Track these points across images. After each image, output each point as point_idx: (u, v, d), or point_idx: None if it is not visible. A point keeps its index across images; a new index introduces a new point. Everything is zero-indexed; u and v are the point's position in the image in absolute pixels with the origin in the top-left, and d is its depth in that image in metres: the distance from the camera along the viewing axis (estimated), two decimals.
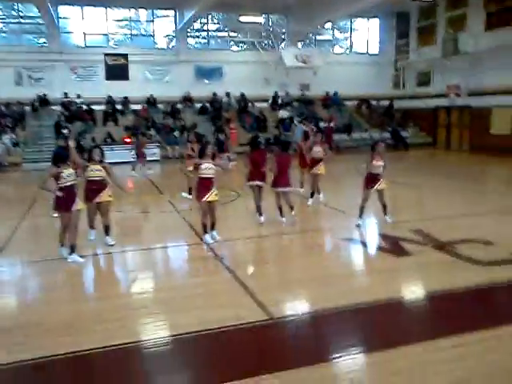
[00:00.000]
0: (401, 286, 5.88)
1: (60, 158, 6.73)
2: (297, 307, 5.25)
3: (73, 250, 6.75)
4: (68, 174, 6.65)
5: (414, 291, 5.74)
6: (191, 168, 8.89)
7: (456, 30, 22.18)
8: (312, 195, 10.45)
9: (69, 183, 6.64)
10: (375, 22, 27.14)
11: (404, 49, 26.09)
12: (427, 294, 5.52)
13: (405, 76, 26.07)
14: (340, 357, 4.08)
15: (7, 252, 7.38)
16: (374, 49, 27.43)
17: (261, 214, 8.64)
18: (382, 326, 4.72)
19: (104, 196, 7.43)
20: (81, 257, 6.80)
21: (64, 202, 6.61)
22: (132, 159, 16.16)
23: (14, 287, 6.19)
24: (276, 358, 4.16)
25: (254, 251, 7.57)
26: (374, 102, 26.26)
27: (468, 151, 21.84)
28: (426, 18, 24.48)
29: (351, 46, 27.50)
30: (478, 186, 13.28)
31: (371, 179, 8.22)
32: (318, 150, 10.35)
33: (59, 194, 6.54)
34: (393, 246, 7.25)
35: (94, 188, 7.39)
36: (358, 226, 8.28)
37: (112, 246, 7.49)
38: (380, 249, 7.29)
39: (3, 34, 22.59)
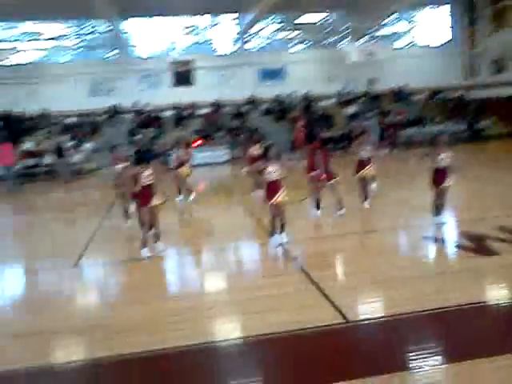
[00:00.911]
0: (485, 289, 5.47)
1: (141, 159, 7.35)
2: (373, 310, 5.04)
3: (158, 238, 7.34)
4: (148, 173, 7.16)
5: (500, 295, 5.29)
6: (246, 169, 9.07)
7: None
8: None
9: (148, 182, 7.15)
10: (444, 10, 25.88)
11: (476, 35, 24.70)
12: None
13: (479, 64, 24.63)
14: (416, 366, 3.85)
15: (87, 255, 7.71)
16: (443, 38, 26.18)
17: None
18: (462, 333, 4.37)
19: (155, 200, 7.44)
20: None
21: (144, 198, 7.15)
22: None
23: (93, 288, 6.48)
24: (350, 363, 4.01)
25: (328, 251, 7.38)
26: (445, 94, 25.04)
27: None
28: (497, 1, 22.93)
29: (418, 38, 26.44)
30: None
31: (439, 175, 7.78)
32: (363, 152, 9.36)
33: (137, 189, 7.14)
34: (477, 244, 6.77)
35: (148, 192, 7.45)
36: (438, 224, 7.85)
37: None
38: (462, 248, 6.78)
39: (78, 51, 23.91)
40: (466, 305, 4.84)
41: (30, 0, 19.01)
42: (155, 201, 7.28)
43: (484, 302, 5.09)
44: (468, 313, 4.76)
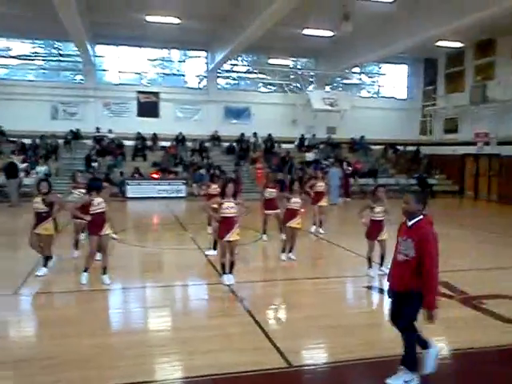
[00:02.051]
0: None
1: (92, 187, 7.34)
2: (317, 356, 5.10)
3: (104, 271, 7.30)
4: (98, 202, 7.20)
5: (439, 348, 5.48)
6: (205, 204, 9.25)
7: (484, 77, 22.27)
8: (283, 250, 9.18)
9: (98, 210, 7.18)
10: (403, 68, 27.42)
11: (432, 95, 26.19)
12: (453, 352, 5.27)
13: (432, 122, 26.03)
14: None
15: (28, 283, 7.44)
16: (402, 94, 27.61)
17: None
18: None
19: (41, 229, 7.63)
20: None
21: (94, 227, 7.16)
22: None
23: (33, 319, 6.27)
24: None
25: (275, 295, 7.45)
26: (400, 148, 26.23)
27: (497, 201, 21.43)
28: (454, 65, 24.60)
29: (378, 91, 27.77)
30: (508, 239, 12.91)
31: (374, 227, 7.94)
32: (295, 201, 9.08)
33: (88, 218, 7.18)
34: None
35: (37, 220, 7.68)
36: (373, 276, 8.03)
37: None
38: None
39: (43, 71, 23.64)
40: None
41: (1, 16, 18.81)
42: (106, 230, 7.25)
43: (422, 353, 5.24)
44: None
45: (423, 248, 4.08)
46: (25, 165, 19.68)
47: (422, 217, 4.24)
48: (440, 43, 20.77)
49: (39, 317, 6.32)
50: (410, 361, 4.31)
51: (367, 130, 25.25)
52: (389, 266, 4.55)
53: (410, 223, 4.26)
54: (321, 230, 12.16)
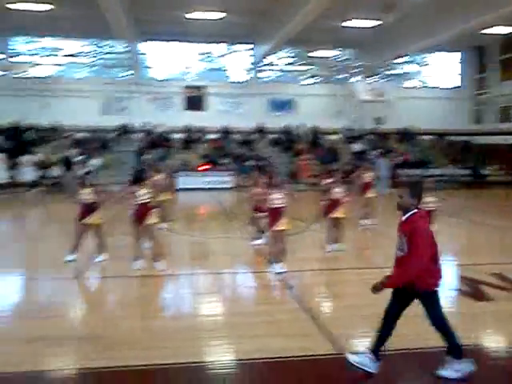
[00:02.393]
0: (479, 332, 5.48)
1: (137, 178, 7.64)
2: (363, 344, 5.07)
3: (155, 259, 7.51)
4: (142, 193, 7.39)
5: (494, 340, 5.36)
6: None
7: None
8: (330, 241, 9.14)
9: (142, 201, 7.40)
10: (454, 56, 26.49)
11: (484, 83, 25.20)
12: (508, 346, 5.13)
13: (485, 111, 25.02)
14: None
15: (87, 268, 7.82)
16: (452, 83, 26.72)
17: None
18: None
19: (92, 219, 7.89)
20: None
21: (137, 217, 7.35)
22: None
23: (90, 301, 6.60)
24: None
25: (323, 284, 7.48)
26: (451, 138, 25.41)
27: None
28: (508, 51, 23.54)
29: (427, 80, 26.96)
30: None
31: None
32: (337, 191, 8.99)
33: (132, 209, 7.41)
34: (472, 289, 6.84)
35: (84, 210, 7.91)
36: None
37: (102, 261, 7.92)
38: (458, 291, 6.85)
39: (93, 68, 24.46)
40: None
41: (51, 17, 19.62)
42: (151, 219, 7.46)
43: (479, 346, 5.11)
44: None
45: (412, 241, 3.95)
46: (80, 158, 20.52)
47: (415, 211, 4.12)
48: (492, 29, 19.85)
49: (95, 299, 6.66)
50: (454, 349, 4.22)
51: (416, 119, 24.59)
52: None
53: (403, 218, 4.15)
54: (367, 221, 12.04)
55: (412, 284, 4.10)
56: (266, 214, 8.75)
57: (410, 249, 3.98)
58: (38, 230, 12.24)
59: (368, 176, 11.97)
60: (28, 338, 5.01)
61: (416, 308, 4.37)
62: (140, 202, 7.45)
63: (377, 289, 4.12)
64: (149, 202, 7.50)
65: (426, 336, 5.04)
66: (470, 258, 8.84)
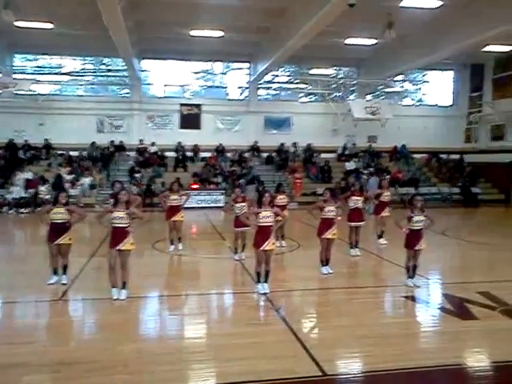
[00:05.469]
0: (463, 351, 5.52)
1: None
2: (352, 366, 5.09)
3: (124, 286, 7.10)
4: (117, 216, 7.03)
5: (477, 359, 5.37)
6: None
7: None
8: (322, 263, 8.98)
9: (117, 224, 7.04)
10: (448, 75, 26.83)
11: (477, 101, 25.48)
12: (491, 364, 5.16)
13: (477, 129, 25.28)
14: None
15: (72, 289, 7.74)
16: (446, 101, 27.00)
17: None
18: None
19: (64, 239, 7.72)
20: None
21: (113, 241, 7.06)
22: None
23: (73, 324, 6.54)
24: None
25: (311, 304, 7.47)
26: (443, 156, 25.60)
27: None
28: (502, 70, 23.82)
29: (421, 99, 27.27)
30: None
31: (412, 237, 7.79)
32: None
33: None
34: (457, 307, 6.86)
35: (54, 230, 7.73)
36: (414, 286, 7.88)
37: (65, 284, 7.73)
38: (443, 310, 6.88)
39: (92, 86, 24.67)
40: (444, 366, 4.92)
41: (51, 35, 19.94)
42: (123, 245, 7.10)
43: (463, 365, 5.16)
44: (446, 374, 4.84)
45: None
46: (71, 176, 20.53)
47: None
48: (488, 48, 20.20)
49: (80, 322, 6.58)
50: None
51: (409, 138, 24.79)
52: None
53: None
54: (382, 241, 11.88)
55: None
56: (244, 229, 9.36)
57: None
58: (19, 251, 12.14)
59: (386, 195, 11.89)
60: (3, 365, 4.92)
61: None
62: (116, 225, 7.06)
63: None
64: (126, 226, 7.08)
65: (413, 356, 5.07)
66: (459, 276, 8.90)
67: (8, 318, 6.66)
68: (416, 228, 7.77)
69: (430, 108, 26.70)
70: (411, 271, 7.93)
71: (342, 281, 8.64)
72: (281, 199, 11.01)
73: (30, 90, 21.82)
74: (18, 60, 24.41)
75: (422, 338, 5.97)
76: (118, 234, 7.03)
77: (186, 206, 11.46)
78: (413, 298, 7.43)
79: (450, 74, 26.78)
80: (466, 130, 26.03)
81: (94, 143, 22.97)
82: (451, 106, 26.78)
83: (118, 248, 7.01)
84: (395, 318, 6.75)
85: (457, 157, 25.41)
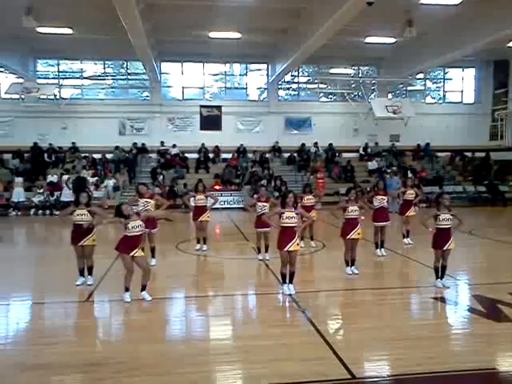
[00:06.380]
0: (498, 355, 5.35)
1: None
2: (381, 369, 4.98)
3: (143, 288, 7.13)
4: (134, 225, 6.99)
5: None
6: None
7: None
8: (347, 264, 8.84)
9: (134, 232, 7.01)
10: (471, 72, 26.33)
11: (502, 98, 24.91)
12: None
13: (503, 127, 24.69)
14: None
15: (98, 290, 7.81)
16: (469, 99, 26.50)
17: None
18: None
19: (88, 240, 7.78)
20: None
21: (126, 246, 7.01)
22: None
23: (100, 325, 6.57)
24: None
25: (337, 305, 7.35)
26: (468, 154, 25.11)
27: None
28: None
29: (444, 96, 26.82)
30: None
31: (440, 236, 7.58)
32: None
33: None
34: (490, 309, 6.66)
35: (77, 231, 7.79)
36: (443, 287, 7.71)
37: (90, 285, 7.82)
38: (475, 311, 6.67)
39: (112, 90, 24.96)
40: (478, 370, 4.77)
41: (71, 40, 20.25)
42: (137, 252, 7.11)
43: (496, 369, 5.00)
44: (480, 378, 4.69)
45: None
46: (94, 179, 20.80)
47: None
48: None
49: (107, 323, 6.61)
50: None
51: (433, 136, 24.45)
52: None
53: None
54: (407, 241, 11.74)
55: None
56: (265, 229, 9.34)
57: None
58: (48, 253, 12.29)
59: (410, 194, 11.75)
60: (32, 365, 4.96)
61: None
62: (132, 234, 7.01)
63: None
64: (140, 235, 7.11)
65: (444, 359, 4.94)
66: (489, 277, 8.66)
67: (37, 319, 6.72)
68: (443, 227, 7.58)
69: (453, 106, 26.25)
70: (440, 272, 7.75)
71: (369, 282, 8.48)
72: (308, 199, 11.05)
73: (53, 95, 22.19)
74: (41, 65, 24.87)
75: (453, 341, 5.80)
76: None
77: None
78: (442, 300, 7.26)
79: (472, 72, 26.26)
80: (491, 127, 25.47)
81: (118, 147, 23.23)
82: (473, 103, 26.27)
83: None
84: (424, 320, 6.58)
85: (482, 155, 24.89)
